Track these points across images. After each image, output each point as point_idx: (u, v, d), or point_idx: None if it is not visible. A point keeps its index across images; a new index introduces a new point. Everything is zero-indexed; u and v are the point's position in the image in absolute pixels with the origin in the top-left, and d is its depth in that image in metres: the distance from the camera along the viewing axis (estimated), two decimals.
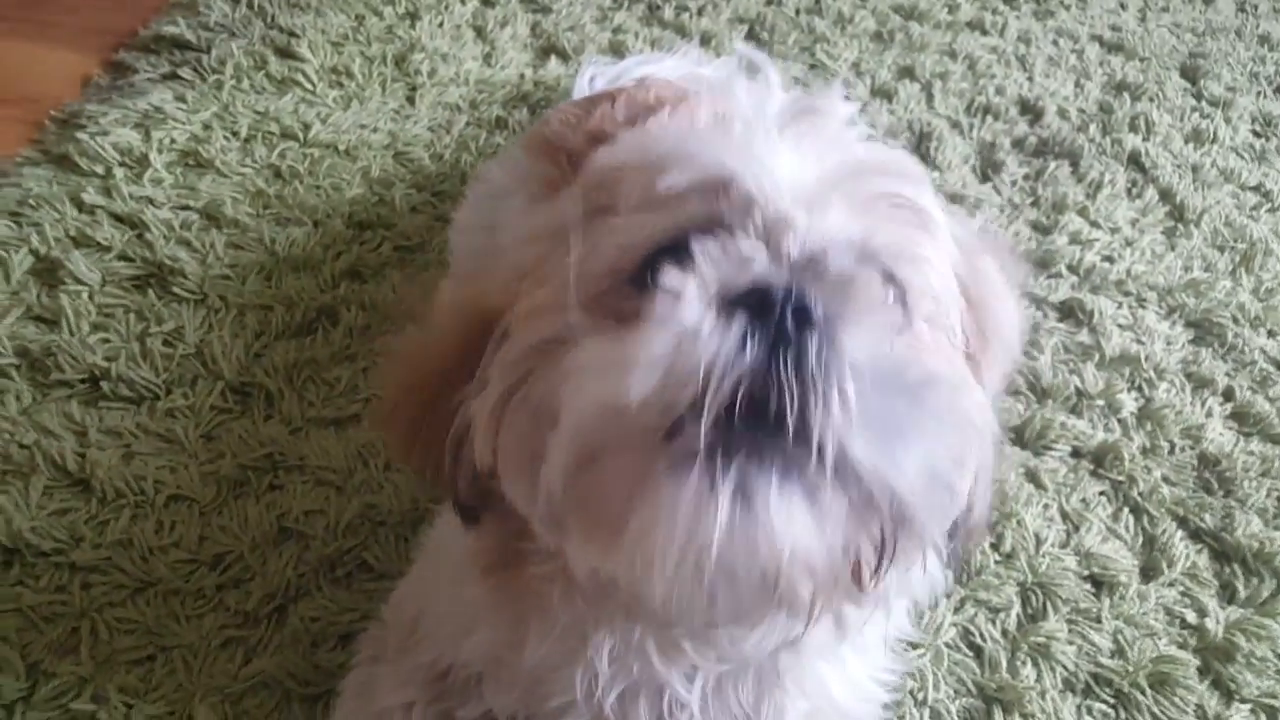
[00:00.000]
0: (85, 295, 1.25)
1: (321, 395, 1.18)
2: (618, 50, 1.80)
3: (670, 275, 0.55)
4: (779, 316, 0.53)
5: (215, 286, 1.28)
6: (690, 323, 0.53)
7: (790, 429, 0.51)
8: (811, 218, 0.60)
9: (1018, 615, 1.06)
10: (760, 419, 0.52)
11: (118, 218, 1.35)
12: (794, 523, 0.52)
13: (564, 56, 1.80)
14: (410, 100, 1.65)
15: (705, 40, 1.87)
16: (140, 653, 0.95)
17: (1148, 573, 1.11)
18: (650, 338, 0.52)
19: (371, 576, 1.01)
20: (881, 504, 0.53)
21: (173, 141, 1.48)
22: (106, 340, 1.21)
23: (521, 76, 1.74)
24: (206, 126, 1.52)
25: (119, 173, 1.41)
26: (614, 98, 1.13)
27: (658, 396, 0.51)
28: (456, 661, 0.80)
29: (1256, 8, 2.17)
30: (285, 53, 1.68)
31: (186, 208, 1.39)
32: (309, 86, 1.63)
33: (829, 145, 0.64)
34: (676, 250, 0.59)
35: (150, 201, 1.38)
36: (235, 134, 1.52)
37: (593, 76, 1.52)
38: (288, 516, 1.06)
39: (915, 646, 1.01)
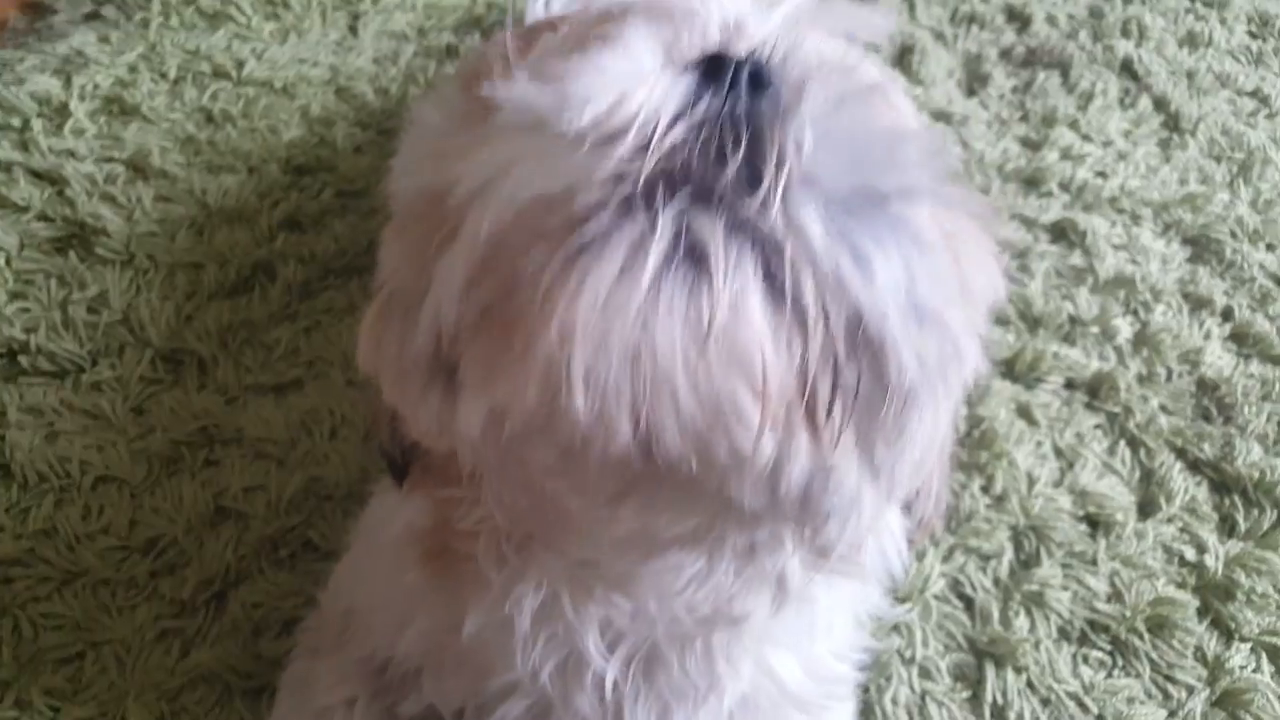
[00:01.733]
0: (1, 261, 1.17)
1: (259, 360, 1.10)
2: None
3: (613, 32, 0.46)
4: (733, 75, 0.44)
5: (142, 245, 1.20)
6: (637, 65, 0.45)
7: (736, 169, 0.42)
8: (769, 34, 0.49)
9: (1010, 562, 1.01)
10: (710, 177, 0.42)
11: (36, 174, 1.26)
12: (742, 289, 0.42)
13: None
14: (353, 30, 1.55)
15: None
16: (68, 650, 0.89)
17: (1145, 509, 1.06)
18: (589, 74, 0.44)
19: (317, 556, 0.95)
20: (843, 307, 0.43)
21: (95, 87, 1.38)
22: (25, 310, 1.13)
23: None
24: (132, 69, 1.42)
25: (37, 124, 1.32)
26: (557, 25, 1.05)
27: (595, 149, 0.42)
28: (395, 655, 0.74)
29: None
30: None
31: (111, 160, 1.29)
32: (242, 20, 1.52)
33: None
34: None
35: (71, 155, 1.29)
36: (163, 76, 1.42)
37: None
38: (225, 494, 0.99)
39: (902, 600, 0.96)
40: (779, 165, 0.42)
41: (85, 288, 1.16)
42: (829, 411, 0.44)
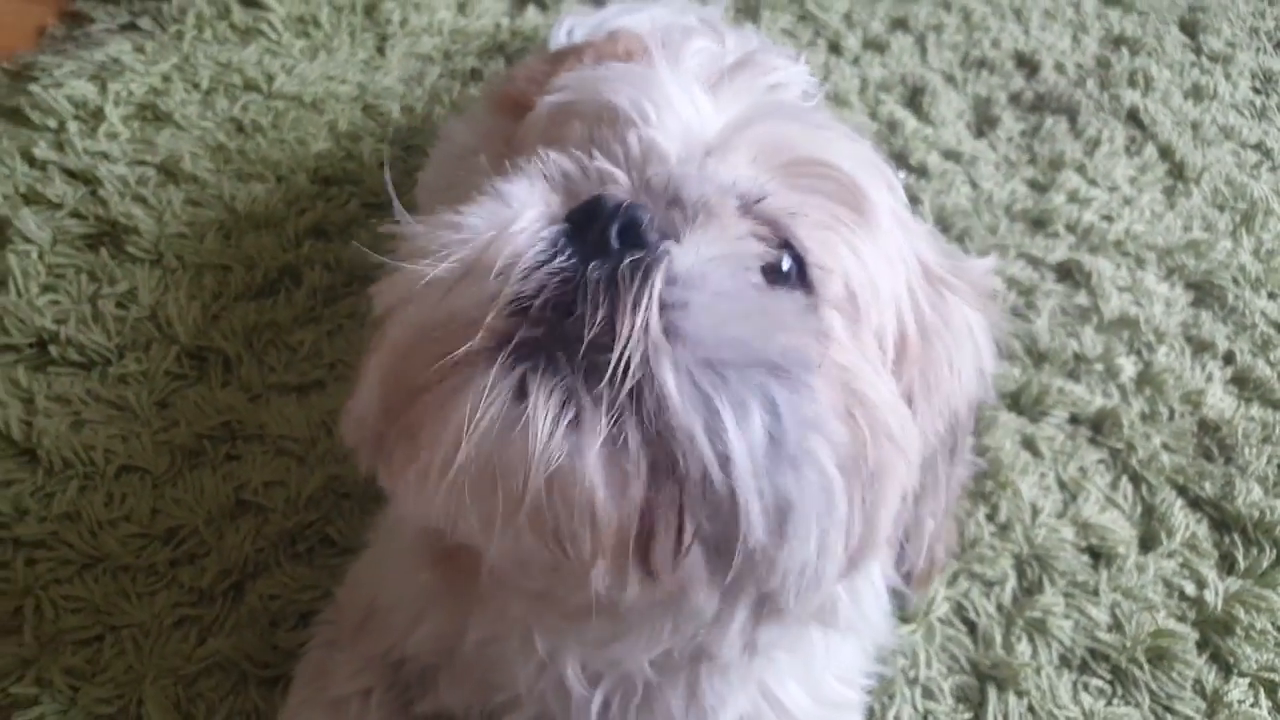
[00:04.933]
0: (34, 255, 1.19)
1: (283, 360, 1.12)
2: None
3: (509, 179, 0.52)
4: (602, 228, 0.48)
5: (172, 245, 1.22)
6: (506, 216, 0.49)
7: (587, 337, 0.46)
8: (695, 160, 0.54)
9: (1013, 589, 1.02)
10: (566, 330, 0.47)
11: (70, 173, 1.29)
12: (572, 446, 0.46)
13: (542, 5, 1.73)
14: (380, 51, 1.58)
15: None
16: (87, 633, 0.90)
17: (1146, 543, 1.08)
18: (461, 222, 0.50)
19: (334, 552, 0.97)
20: (689, 470, 0.46)
21: (130, 94, 1.41)
22: (56, 302, 1.15)
23: (497, 26, 1.67)
24: (166, 78, 1.45)
25: (73, 126, 1.35)
26: (581, 52, 1.09)
27: (462, 289, 0.48)
28: (410, 652, 0.76)
29: None
30: (250, 1, 1.60)
31: (143, 163, 1.32)
32: (274, 36, 1.55)
33: (757, 98, 0.58)
34: None
35: (105, 156, 1.32)
36: (196, 86, 1.45)
37: (571, 27, 1.46)
38: (246, 488, 1.00)
39: (906, 622, 0.97)
40: (630, 328, 0.46)
41: (115, 283, 1.18)
42: (667, 552, 0.48)
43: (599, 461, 0.46)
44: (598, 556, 0.48)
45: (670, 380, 0.45)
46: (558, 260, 0.48)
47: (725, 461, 0.46)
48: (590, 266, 0.47)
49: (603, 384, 0.46)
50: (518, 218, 0.49)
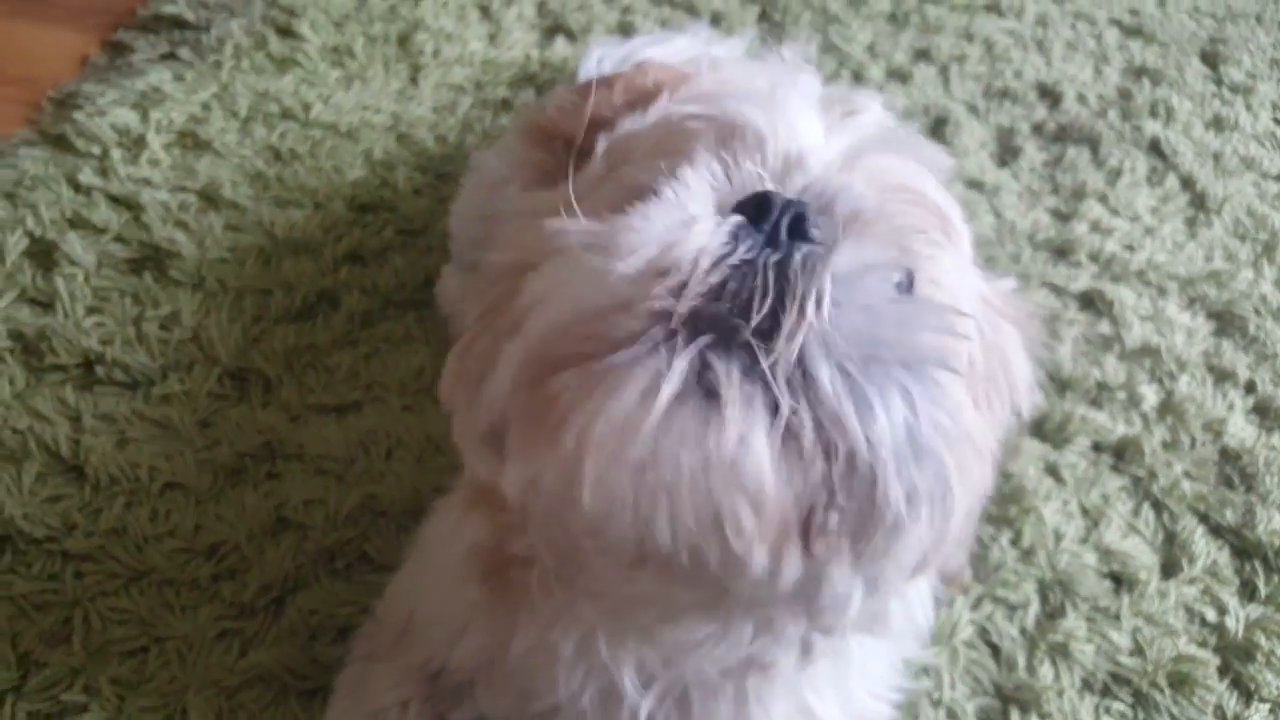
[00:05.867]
0: (80, 278, 1.22)
1: (321, 381, 1.15)
2: (626, 30, 1.77)
3: (676, 176, 0.53)
4: (775, 221, 0.50)
5: (213, 270, 1.25)
6: (685, 213, 0.51)
7: (754, 323, 0.48)
8: (827, 170, 0.57)
9: (1036, 613, 1.03)
10: (734, 322, 0.49)
11: (114, 199, 1.32)
12: (748, 427, 0.47)
13: (571, 36, 1.76)
14: (413, 81, 1.62)
15: (716, 20, 1.83)
16: (133, 644, 0.92)
17: (1168, 569, 1.09)
18: (642, 220, 0.50)
19: (371, 568, 0.99)
20: (843, 447, 0.48)
21: (171, 122, 1.45)
22: (102, 324, 1.18)
23: (527, 57, 1.71)
24: (205, 107, 1.49)
25: (116, 153, 1.39)
26: (611, 83, 1.11)
27: (639, 283, 0.49)
28: (448, 665, 0.78)
29: None
30: (286, 32, 1.64)
31: (184, 189, 1.36)
32: (310, 66, 1.59)
33: (860, 133, 0.61)
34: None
35: (147, 183, 1.35)
36: (234, 114, 1.49)
37: (600, 57, 1.49)
38: (286, 506, 1.03)
39: (932, 644, 0.99)
40: (798, 319, 0.48)
41: (158, 306, 1.21)
42: (823, 532, 0.50)
43: (768, 449, 0.48)
44: (758, 542, 0.49)
45: (825, 370, 0.48)
46: (739, 251, 0.50)
47: (871, 445, 0.48)
48: (764, 254, 0.50)
49: (771, 371, 0.48)
50: (698, 214, 0.51)
